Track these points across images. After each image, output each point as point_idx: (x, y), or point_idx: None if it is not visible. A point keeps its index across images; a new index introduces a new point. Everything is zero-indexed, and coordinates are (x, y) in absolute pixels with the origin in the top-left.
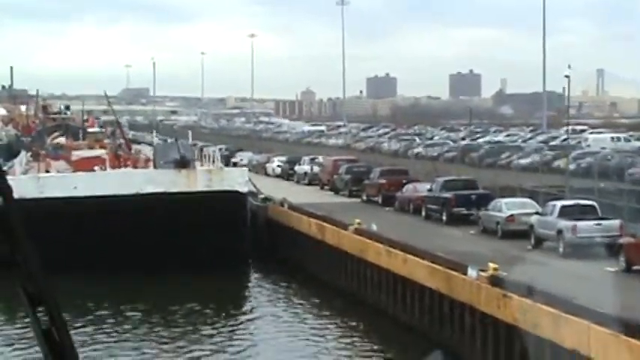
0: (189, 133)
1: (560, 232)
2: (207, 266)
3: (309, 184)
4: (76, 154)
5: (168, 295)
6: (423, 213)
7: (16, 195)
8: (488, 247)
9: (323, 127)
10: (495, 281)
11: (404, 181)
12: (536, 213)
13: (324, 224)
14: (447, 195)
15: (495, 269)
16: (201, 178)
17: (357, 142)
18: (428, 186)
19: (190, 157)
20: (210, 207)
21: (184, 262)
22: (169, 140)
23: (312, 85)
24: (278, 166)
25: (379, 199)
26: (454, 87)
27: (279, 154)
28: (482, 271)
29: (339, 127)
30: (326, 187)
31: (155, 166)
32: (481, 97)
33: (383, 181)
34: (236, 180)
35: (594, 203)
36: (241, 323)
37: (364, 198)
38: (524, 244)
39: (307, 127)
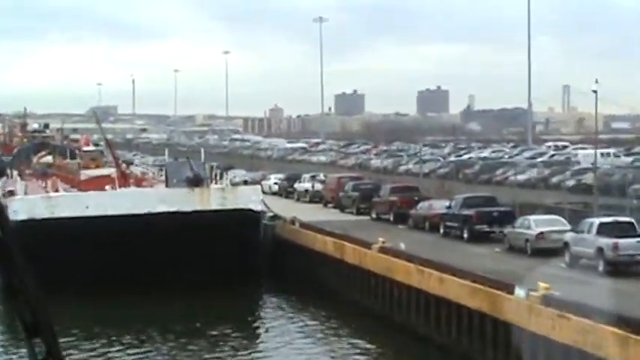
0: (202, 151)
1: (600, 250)
2: (221, 286)
3: (311, 201)
4: (85, 174)
5: (182, 315)
6: (441, 230)
7: (26, 215)
8: (521, 266)
9: (304, 145)
10: (548, 301)
11: (416, 199)
12: (571, 230)
13: (344, 242)
14: (468, 212)
15: (547, 289)
16: (215, 197)
17: (343, 159)
18: (444, 203)
19: (203, 175)
20: (225, 226)
21: (199, 282)
22: (180, 159)
23: (279, 102)
24: (275, 183)
25: (390, 217)
26: (422, 103)
27: (274, 172)
28: (532, 290)
29: (317, 144)
30: (329, 205)
31: (167, 185)
32: (449, 113)
33: (394, 198)
34: (250, 198)
35: (632, 220)
36: (261, 343)
37: (373, 216)
38: (557, 261)
39: (289, 145)
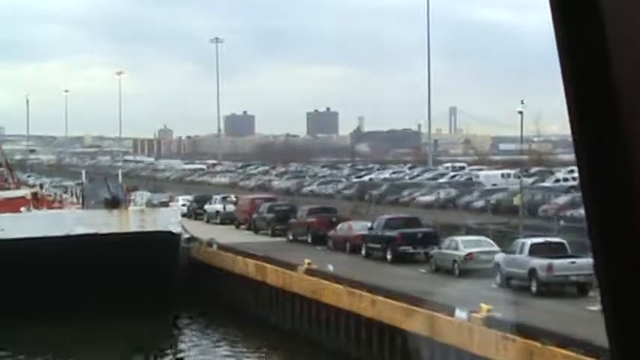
0: (119, 172)
1: (533, 270)
2: (138, 309)
3: (222, 223)
4: None
5: (101, 339)
6: (364, 252)
7: None
8: (452, 287)
9: (203, 166)
10: (490, 322)
11: (334, 220)
12: (502, 251)
13: (265, 265)
14: (392, 233)
15: (489, 310)
16: (134, 219)
17: (244, 180)
18: (364, 224)
19: (122, 197)
20: (143, 248)
21: (116, 305)
22: (96, 180)
23: (168, 123)
24: (183, 205)
25: (308, 238)
26: (312, 125)
27: (180, 193)
28: (473, 312)
29: (213, 165)
30: (242, 227)
31: (84, 207)
32: (339, 134)
33: (312, 219)
34: (169, 220)
35: (563, 241)
36: None
37: (290, 237)
38: (487, 282)
39: (186, 166)
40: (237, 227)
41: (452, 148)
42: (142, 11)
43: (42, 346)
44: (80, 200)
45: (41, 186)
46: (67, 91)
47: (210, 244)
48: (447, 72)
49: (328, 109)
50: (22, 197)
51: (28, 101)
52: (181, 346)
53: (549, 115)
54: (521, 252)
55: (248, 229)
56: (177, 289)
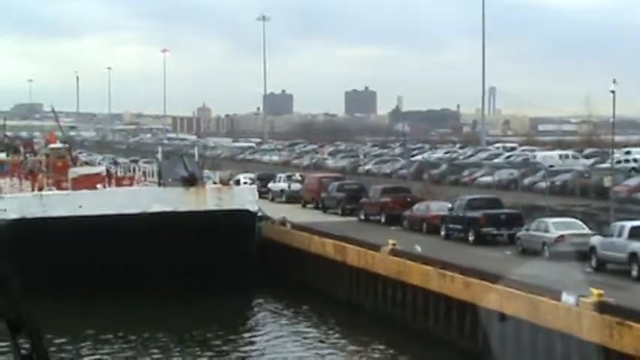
0: (195, 149)
1: (633, 254)
2: (214, 288)
3: (287, 202)
4: (75, 172)
5: (175, 318)
6: (442, 233)
7: (18, 214)
8: (546, 270)
9: (253, 144)
10: (604, 308)
11: (408, 200)
12: (597, 234)
13: (345, 245)
14: (474, 214)
15: (600, 295)
16: (211, 197)
17: (296, 158)
18: (442, 204)
19: (199, 174)
20: (220, 226)
21: (192, 284)
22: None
23: (206, 101)
24: (245, 182)
25: (381, 218)
26: (350, 104)
27: (242, 171)
28: (582, 296)
29: (259, 144)
30: (309, 206)
31: (161, 184)
32: (377, 114)
33: (386, 199)
34: (246, 198)
35: None
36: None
37: (362, 217)
38: (580, 266)
39: (236, 144)
40: (304, 206)
41: (491, 129)
42: None
43: (117, 322)
44: (157, 178)
45: (115, 163)
46: (109, 68)
47: (283, 223)
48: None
49: (366, 88)
50: (99, 174)
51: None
52: (261, 324)
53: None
54: (619, 235)
55: (315, 208)
56: (253, 269)
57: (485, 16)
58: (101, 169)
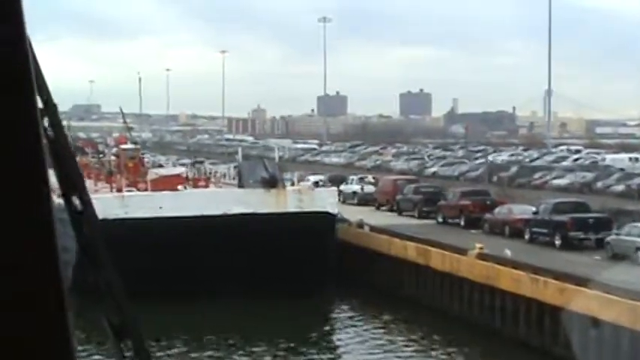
0: (276, 150)
1: None
2: (293, 291)
3: (359, 204)
4: (154, 173)
5: (255, 321)
6: (527, 236)
7: (101, 216)
8: None
9: (315, 145)
10: None
11: (488, 202)
12: None
13: (428, 248)
14: (561, 218)
15: None
16: (292, 199)
17: (360, 160)
18: (525, 207)
19: (279, 176)
20: (301, 229)
21: (272, 286)
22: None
23: (261, 102)
24: (315, 184)
25: (461, 221)
26: (404, 106)
27: (310, 173)
28: None
29: (320, 145)
30: (382, 208)
31: (241, 186)
32: (432, 116)
33: (466, 202)
34: (327, 200)
35: None
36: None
37: (439, 220)
38: None
39: (298, 145)
40: (377, 208)
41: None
42: None
43: (201, 325)
44: (236, 179)
45: (194, 164)
46: (168, 69)
47: (360, 225)
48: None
49: (421, 90)
50: (178, 175)
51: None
52: (343, 327)
53: None
54: None
55: (390, 210)
56: (332, 271)
57: (540, 17)
58: (181, 170)
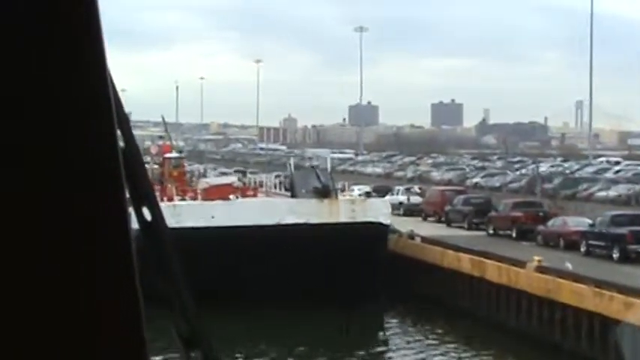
0: (328, 160)
1: None
2: (345, 302)
3: (405, 214)
4: (205, 182)
5: (306, 331)
6: (582, 249)
7: None
8: None
9: (352, 155)
10: None
11: (540, 214)
12: None
13: (484, 260)
14: (620, 231)
15: None
16: (345, 209)
17: (399, 170)
18: (580, 220)
19: (332, 186)
20: (353, 239)
21: (323, 296)
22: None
23: (292, 112)
24: (359, 194)
25: (512, 233)
26: (436, 116)
27: (352, 183)
28: None
29: (356, 154)
30: (430, 219)
31: (293, 195)
32: (463, 126)
33: (518, 214)
34: (380, 211)
35: None
36: None
37: (490, 231)
38: None
39: (335, 155)
40: (424, 219)
41: (579, 143)
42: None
43: (255, 335)
44: (288, 189)
45: (244, 173)
46: (202, 78)
47: (411, 236)
48: (572, 65)
49: (453, 100)
50: (230, 184)
51: (177, 88)
52: (397, 339)
53: None
54: None
55: (438, 221)
56: (383, 283)
57: (573, 28)
58: (232, 179)
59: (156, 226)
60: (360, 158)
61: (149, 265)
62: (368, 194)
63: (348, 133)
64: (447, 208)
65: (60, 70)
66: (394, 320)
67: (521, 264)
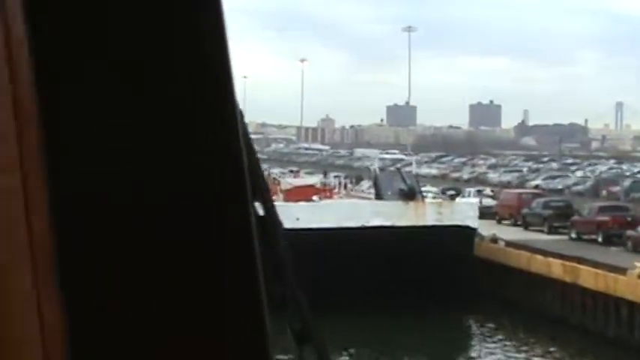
0: (413, 162)
1: None
2: (432, 307)
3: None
4: (288, 182)
5: (393, 336)
6: None
7: None
8: None
9: (403, 156)
10: None
11: (629, 219)
12: None
13: (577, 265)
14: None
15: None
16: (431, 211)
17: (454, 172)
18: None
19: (417, 188)
20: (440, 242)
21: (408, 300)
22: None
23: (330, 112)
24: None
25: (598, 237)
26: (474, 117)
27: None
28: None
29: (406, 155)
30: (504, 222)
31: (378, 197)
32: (502, 127)
33: (605, 218)
34: (467, 214)
35: None
36: None
37: (573, 235)
38: None
39: (386, 155)
40: (499, 222)
41: (620, 145)
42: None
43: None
44: (373, 191)
45: (325, 174)
46: (245, 76)
47: (494, 240)
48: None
49: (491, 101)
50: (312, 185)
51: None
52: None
53: None
54: None
55: (514, 224)
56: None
57: (611, 28)
58: (314, 180)
59: (270, 222)
60: (413, 159)
61: (263, 262)
62: (452, 197)
63: (386, 133)
64: (525, 211)
65: (188, 61)
66: (488, 325)
67: (620, 270)
